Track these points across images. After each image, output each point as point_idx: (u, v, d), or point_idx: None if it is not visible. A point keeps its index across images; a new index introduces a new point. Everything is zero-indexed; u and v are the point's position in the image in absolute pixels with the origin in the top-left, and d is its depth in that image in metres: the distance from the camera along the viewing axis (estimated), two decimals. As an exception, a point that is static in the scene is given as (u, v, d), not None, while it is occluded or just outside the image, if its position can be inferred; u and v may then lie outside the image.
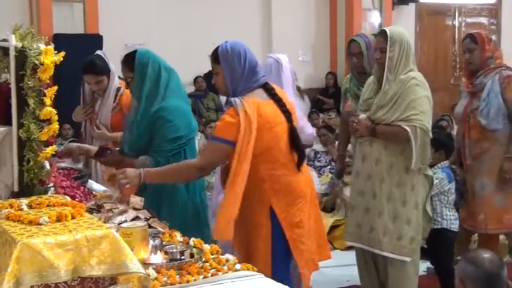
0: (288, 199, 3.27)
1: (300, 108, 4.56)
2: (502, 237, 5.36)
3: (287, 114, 3.28)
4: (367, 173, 4.05)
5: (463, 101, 4.68)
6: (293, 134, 3.29)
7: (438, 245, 4.52)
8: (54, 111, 2.72)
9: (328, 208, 6.76)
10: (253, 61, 3.26)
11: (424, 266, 5.10)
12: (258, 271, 2.60)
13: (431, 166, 4.41)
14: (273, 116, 3.22)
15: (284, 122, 3.27)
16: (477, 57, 4.50)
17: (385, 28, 4.09)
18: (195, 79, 9.98)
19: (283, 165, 3.27)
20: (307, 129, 4.34)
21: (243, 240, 3.31)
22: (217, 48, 3.30)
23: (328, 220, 6.08)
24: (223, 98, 11.35)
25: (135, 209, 3.06)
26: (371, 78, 4.17)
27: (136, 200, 3.09)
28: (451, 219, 4.48)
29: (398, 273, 4.02)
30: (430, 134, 3.94)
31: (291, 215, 3.27)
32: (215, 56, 3.29)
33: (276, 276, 2.83)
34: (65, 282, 2.03)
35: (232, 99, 3.21)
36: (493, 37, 4.92)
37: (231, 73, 3.23)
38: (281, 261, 3.27)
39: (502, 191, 4.47)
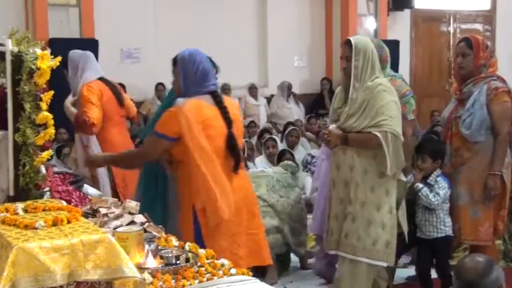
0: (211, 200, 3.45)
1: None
2: (498, 242, 5.37)
3: (228, 121, 3.54)
4: (343, 180, 4.07)
5: (450, 106, 4.62)
6: (230, 140, 3.52)
7: (441, 252, 4.51)
8: (50, 116, 2.72)
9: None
10: (206, 69, 3.58)
11: (405, 273, 5.12)
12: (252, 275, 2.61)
13: (427, 176, 4.43)
14: (210, 119, 3.48)
15: (222, 127, 3.52)
16: (469, 63, 4.39)
17: (349, 38, 4.11)
18: (191, 84, 10.00)
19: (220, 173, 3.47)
20: None
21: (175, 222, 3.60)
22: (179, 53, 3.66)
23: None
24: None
25: (130, 213, 3.06)
26: (339, 88, 4.22)
27: (132, 205, 3.09)
28: (450, 226, 4.48)
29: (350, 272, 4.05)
30: (402, 138, 3.95)
31: (210, 215, 3.45)
32: (174, 60, 3.67)
33: None
34: (61, 286, 2.02)
35: (178, 99, 3.51)
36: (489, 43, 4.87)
37: (184, 76, 3.57)
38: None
39: (478, 203, 4.39)
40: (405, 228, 4.23)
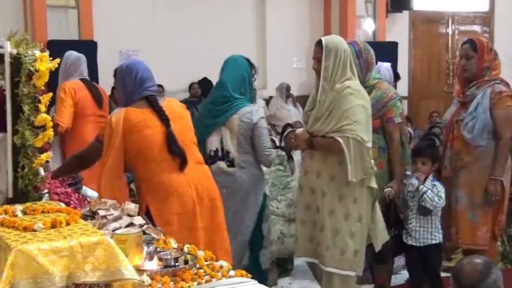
0: (159, 197, 3.56)
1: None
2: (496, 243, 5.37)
3: (164, 119, 3.60)
4: (310, 186, 3.98)
5: (452, 108, 4.58)
6: (168, 138, 3.58)
7: (433, 260, 4.49)
8: (49, 118, 2.72)
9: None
10: (144, 77, 3.68)
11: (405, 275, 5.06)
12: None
13: (424, 180, 4.39)
14: (142, 121, 3.58)
15: (158, 126, 3.59)
16: (473, 66, 4.34)
17: (321, 38, 3.98)
18: (190, 85, 10.00)
19: (158, 165, 3.56)
20: None
21: None
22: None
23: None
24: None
25: (129, 215, 3.06)
26: (313, 90, 4.08)
27: (131, 207, 3.09)
28: (441, 232, 4.46)
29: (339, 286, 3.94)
30: (368, 144, 3.80)
31: (162, 212, 3.54)
32: (115, 73, 3.87)
33: None
34: (60, 288, 2.03)
35: (116, 109, 3.72)
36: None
37: (122, 88, 3.74)
38: None
39: (476, 207, 4.36)
40: (381, 237, 4.08)
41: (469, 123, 4.31)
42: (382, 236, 4.11)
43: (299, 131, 4.03)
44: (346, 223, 3.86)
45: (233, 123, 4.25)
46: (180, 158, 3.59)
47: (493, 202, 4.34)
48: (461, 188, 4.41)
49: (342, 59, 3.85)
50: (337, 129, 3.77)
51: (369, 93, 4.15)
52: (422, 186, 4.36)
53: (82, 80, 5.45)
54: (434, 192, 4.35)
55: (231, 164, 4.25)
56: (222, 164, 4.27)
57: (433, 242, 4.42)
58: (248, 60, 4.40)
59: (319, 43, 3.92)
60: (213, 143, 4.33)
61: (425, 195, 4.34)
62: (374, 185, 3.96)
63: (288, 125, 8.46)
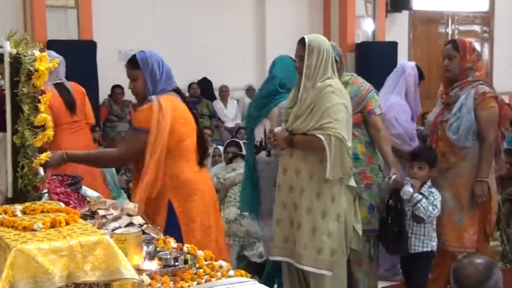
0: (184, 194, 3.62)
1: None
2: (496, 243, 5.38)
3: (195, 116, 3.79)
4: (288, 185, 3.93)
5: (436, 109, 4.56)
6: (200, 134, 3.78)
7: (421, 267, 4.34)
8: (49, 118, 2.72)
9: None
10: (168, 67, 3.75)
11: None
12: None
13: (421, 186, 4.25)
14: (186, 114, 3.69)
15: (193, 122, 3.73)
16: (456, 66, 4.33)
17: (304, 36, 3.93)
18: (189, 85, 10.01)
19: (187, 162, 3.65)
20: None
21: None
22: (134, 56, 3.73)
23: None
24: (217, 104, 11.42)
25: (128, 215, 3.06)
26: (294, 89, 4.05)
27: (131, 207, 3.09)
28: (436, 241, 4.34)
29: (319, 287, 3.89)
30: (348, 144, 3.78)
31: (187, 209, 3.61)
32: (133, 63, 3.71)
33: None
34: (59, 288, 2.03)
35: (149, 97, 3.62)
36: (478, 47, 4.80)
37: (151, 76, 3.67)
38: None
39: (462, 209, 4.34)
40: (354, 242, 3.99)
41: (453, 124, 4.29)
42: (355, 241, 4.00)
43: (277, 129, 3.98)
44: (323, 221, 3.81)
45: (272, 115, 4.40)
46: (202, 153, 3.75)
47: (480, 204, 4.32)
48: (448, 190, 4.37)
49: (324, 57, 3.83)
50: (318, 127, 3.75)
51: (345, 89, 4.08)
52: (416, 194, 4.21)
53: (56, 84, 5.25)
54: (430, 201, 4.20)
55: (269, 153, 4.35)
56: (262, 154, 4.42)
57: (424, 249, 4.28)
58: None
59: (301, 41, 3.89)
60: (258, 134, 4.51)
61: (419, 204, 4.20)
62: (353, 183, 3.93)
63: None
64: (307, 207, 3.83)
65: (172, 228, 3.49)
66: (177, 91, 3.77)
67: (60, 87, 5.33)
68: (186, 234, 3.57)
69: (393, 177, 4.27)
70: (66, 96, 5.36)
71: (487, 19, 12.74)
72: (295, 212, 3.88)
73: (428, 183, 4.28)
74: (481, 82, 4.32)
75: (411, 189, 4.19)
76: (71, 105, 5.35)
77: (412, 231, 4.29)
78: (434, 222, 4.30)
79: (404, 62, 4.99)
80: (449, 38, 12.30)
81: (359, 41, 11.08)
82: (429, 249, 4.29)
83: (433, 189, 4.26)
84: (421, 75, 5.29)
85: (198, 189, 3.68)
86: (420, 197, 4.19)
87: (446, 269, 4.25)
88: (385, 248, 4.44)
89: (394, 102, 5.06)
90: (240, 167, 5.48)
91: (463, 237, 4.34)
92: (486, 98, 4.26)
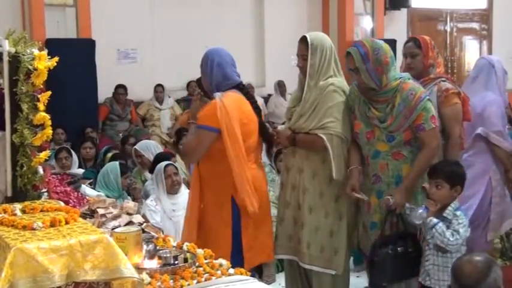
0: (246, 190, 3.61)
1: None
2: (495, 240, 5.37)
3: (258, 110, 3.77)
4: (291, 183, 3.91)
5: None
6: (263, 129, 3.79)
7: None
8: (48, 116, 2.72)
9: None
10: (223, 63, 3.69)
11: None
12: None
13: (443, 208, 3.53)
14: (249, 114, 3.69)
15: (256, 120, 3.74)
16: (419, 63, 4.24)
17: (306, 35, 3.88)
18: (188, 84, 10.00)
19: (250, 160, 3.66)
20: None
21: (203, 221, 3.71)
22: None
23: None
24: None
25: (128, 214, 3.06)
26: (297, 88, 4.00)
27: (130, 205, 3.09)
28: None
29: (324, 286, 3.87)
30: (349, 142, 3.75)
31: (245, 206, 3.61)
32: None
33: (232, 256, 3.38)
34: (59, 287, 2.02)
35: (214, 94, 3.63)
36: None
37: (205, 76, 3.75)
38: (236, 242, 3.67)
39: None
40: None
41: None
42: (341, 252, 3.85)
43: (281, 127, 4.00)
44: (326, 220, 3.80)
45: None
46: (268, 145, 3.88)
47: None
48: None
49: (327, 56, 3.79)
50: (320, 126, 3.73)
51: (393, 98, 3.68)
52: (430, 218, 3.48)
53: None
54: (453, 225, 3.48)
55: None
56: None
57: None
58: None
59: (303, 40, 3.85)
60: None
61: (434, 229, 3.46)
62: None
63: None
64: (310, 206, 3.82)
65: (235, 223, 3.65)
66: (239, 87, 3.75)
67: None
68: (244, 227, 3.67)
69: (385, 198, 3.66)
70: None
71: (485, 16, 12.73)
72: (299, 211, 3.87)
73: (453, 204, 3.55)
74: (443, 79, 4.28)
75: (424, 212, 3.52)
76: None
77: (438, 263, 3.55)
78: (463, 251, 3.54)
79: (489, 56, 4.83)
80: (448, 36, 12.32)
81: (358, 39, 11.08)
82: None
83: (460, 212, 3.54)
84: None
85: (259, 186, 3.73)
86: (436, 221, 3.47)
87: None
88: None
89: (492, 99, 4.94)
90: None
91: None
92: (449, 94, 4.21)
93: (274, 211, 4.26)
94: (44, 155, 2.74)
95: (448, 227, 3.47)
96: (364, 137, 3.76)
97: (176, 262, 2.62)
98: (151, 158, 6.01)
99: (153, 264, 2.58)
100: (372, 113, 3.71)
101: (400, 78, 3.78)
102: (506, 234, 5.43)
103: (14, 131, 2.65)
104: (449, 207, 3.54)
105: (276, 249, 4.02)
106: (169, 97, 9.56)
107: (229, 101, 3.57)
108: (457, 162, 3.82)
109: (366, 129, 3.75)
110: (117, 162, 5.64)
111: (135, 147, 6.45)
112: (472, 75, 5.05)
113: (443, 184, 3.53)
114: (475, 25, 12.70)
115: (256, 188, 3.65)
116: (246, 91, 3.76)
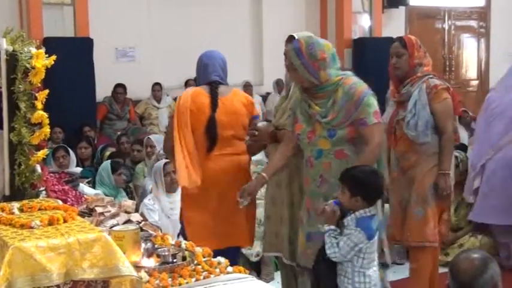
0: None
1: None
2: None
3: (214, 106, 3.90)
4: (275, 180, 3.88)
5: (389, 110, 4.45)
6: (210, 122, 3.89)
7: None
8: (46, 115, 2.72)
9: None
10: (209, 64, 4.03)
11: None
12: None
13: (343, 216, 3.24)
14: (201, 105, 3.89)
15: (208, 113, 3.89)
16: (405, 63, 4.24)
17: (293, 34, 3.83)
18: (186, 82, 9.99)
19: (199, 149, 3.87)
20: None
21: None
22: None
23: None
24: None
25: (126, 212, 3.06)
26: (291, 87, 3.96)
27: (128, 204, 3.09)
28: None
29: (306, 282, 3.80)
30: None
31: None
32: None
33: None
34: (58, 285, 2.03)
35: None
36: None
37: (197, 75, 4.17)
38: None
39: (424, 203, 4.22)
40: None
41: (410, 121, 4.21)
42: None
43: (261, 124, 3.98)
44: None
45: None
46: (210, 141, 3.90)
47: (445, 197, 4.28)
48: (410, 188, 4.29)
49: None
50: None
51: (335, 92, 3.54)
52: (324, 225, 3.24)
53: None
54: (347, 236, 3.16)
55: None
56: None
57: None
58: None
59: (290, 40, 3.82)
60: None
61: (325, 237, 3.24)
62: None
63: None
64: (289, 202, 3.85)
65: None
66: (211, 84, 3.98)
67: None
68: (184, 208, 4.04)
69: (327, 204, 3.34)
70: None
71: (483, 14, 12.73)
72: (283, 206, 3.89)
73: (358, 213, 3.20)
74: (431, 76, 4.30)
75: (335, 207, 3.25)
76: None
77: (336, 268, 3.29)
78: (358, 264, 3.21)
79: None
80: (446, 34, 12.32)
81: (356, 37, 11.07)
82: None
83: (354, 223, 3.19)
84: None
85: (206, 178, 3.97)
86: (326, 228, 3.22)
87: (426, 262, 4.27)
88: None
89: None
90: None
91: (424, 231, 4.25)
92: (438, 90, 4.23)
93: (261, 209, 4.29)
94: (41, 153, 2.74)
95: (336, 237, 3.19)
96: (306, 137, 3.60)
97: (174, 260, 2.62)
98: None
99: (152, 262, 2.59)
100: (312, 109, 3.57)
101: (343, 74, 3.62)
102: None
103: (11, 129, 2.65)
104: (351, 215, 3.21)
105: (265, 246, 4.07)
106: (167, 96, 9.55)
107: (186, 93, 3.96)
108: (373, 171, 3.37)
109: (308, 129, 3.59)
110: (108, 161, 5.64)
111: (149, 136, 6.49)
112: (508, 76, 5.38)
113: (344, 190, 3.23)
114: (473, 23, 12.70)
115: (209, 176, 3.83)
116: (213, 88, 3.95)
